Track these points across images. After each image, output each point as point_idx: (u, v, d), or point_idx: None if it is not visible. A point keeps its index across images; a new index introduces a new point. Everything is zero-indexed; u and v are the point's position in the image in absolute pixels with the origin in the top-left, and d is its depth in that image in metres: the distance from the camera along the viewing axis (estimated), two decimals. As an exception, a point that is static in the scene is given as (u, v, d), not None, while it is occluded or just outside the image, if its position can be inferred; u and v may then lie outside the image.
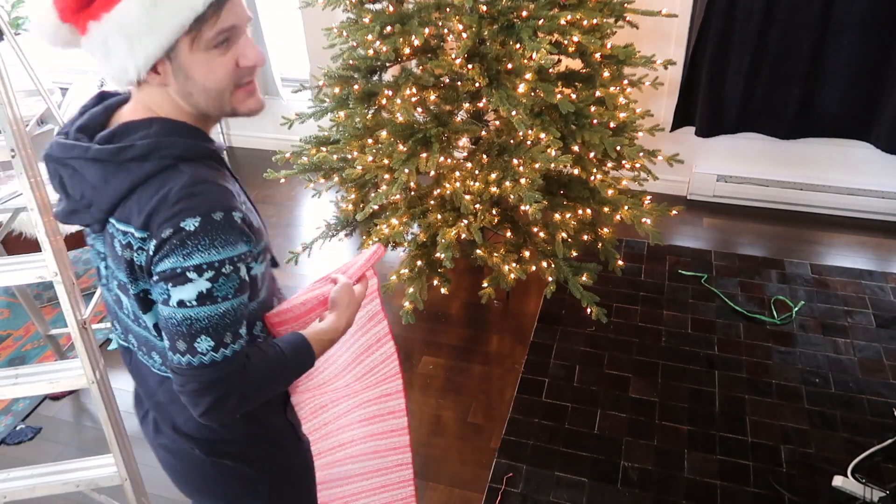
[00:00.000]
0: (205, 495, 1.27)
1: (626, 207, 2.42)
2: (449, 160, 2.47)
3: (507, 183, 2.34)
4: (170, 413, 1.15)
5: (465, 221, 2.38)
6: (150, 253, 0.94)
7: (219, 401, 0.96)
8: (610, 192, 2.42)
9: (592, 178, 2.45)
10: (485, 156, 2.45)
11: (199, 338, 0.94)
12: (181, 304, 0.93)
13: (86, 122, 1.01)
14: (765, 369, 2.50)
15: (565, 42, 2.31)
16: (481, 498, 2.12)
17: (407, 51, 2.37)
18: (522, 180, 2.29)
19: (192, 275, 0.92)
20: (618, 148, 2.30)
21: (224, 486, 1.23)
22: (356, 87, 2.52)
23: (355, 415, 1.44)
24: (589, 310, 2.49)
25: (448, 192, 2.42)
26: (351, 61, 2.52)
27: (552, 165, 2.32)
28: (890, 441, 2.21)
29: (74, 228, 2.80)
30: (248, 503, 1.27)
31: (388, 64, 2.56)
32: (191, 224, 0.91)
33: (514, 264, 2.50)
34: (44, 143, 1.05)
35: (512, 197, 2.32)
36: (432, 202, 2.50)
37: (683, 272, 3.03)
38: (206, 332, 0.94)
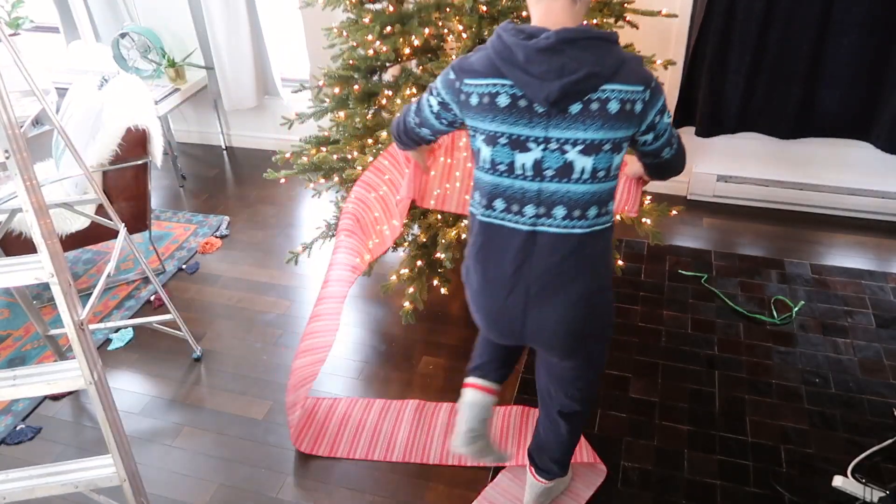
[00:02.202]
0: (600, 333, 1.63)
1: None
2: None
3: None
4: (592, 263, 1.49)
5: (465, 222, 2.38)
6: (647, 98, 1.39)
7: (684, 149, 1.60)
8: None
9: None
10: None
11: (673, 132, 1.53)
12: (667, 122, 1.47)
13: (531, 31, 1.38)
14: (765, 369, 2.50)
15: (565, 42, 2.31)
16: (481, 498, 2.12)
17: (407, 51, 2.37)
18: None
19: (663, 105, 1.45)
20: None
21: (610, 317, 1.62)
22: (356, 87, 2.52)
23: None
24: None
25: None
26: (351, 61, 2.52)
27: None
28: (890, 441, 2.21)
29: (74, 229, 2.80)
30: (608, 333, 1.68)
31: (388, 64, 2.56)
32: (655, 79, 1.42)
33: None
34: (39, 145, 1.05)
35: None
36: (432, 202, 2.49)
37: (683, 272, 3.02)
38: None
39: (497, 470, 2.20)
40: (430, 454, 2.27)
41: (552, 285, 1.48)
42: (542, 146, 1.40)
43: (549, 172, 1.41)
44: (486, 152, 1.46)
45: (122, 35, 3.84)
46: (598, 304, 1.55)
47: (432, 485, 2.18)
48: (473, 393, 1.83)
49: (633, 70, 1.37)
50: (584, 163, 1.39)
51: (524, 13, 2.22)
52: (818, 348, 2.59)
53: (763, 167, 3.39)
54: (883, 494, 2.00)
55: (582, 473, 2.15)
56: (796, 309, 2.78)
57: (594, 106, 1.36)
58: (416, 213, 2.49)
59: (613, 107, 1.36)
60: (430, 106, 1.56)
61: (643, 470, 2.18)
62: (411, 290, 2.49)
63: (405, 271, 2.55)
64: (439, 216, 2.45)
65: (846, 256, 3.10)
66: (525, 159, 1.42)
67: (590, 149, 1.38)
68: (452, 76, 1.47)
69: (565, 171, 1.40)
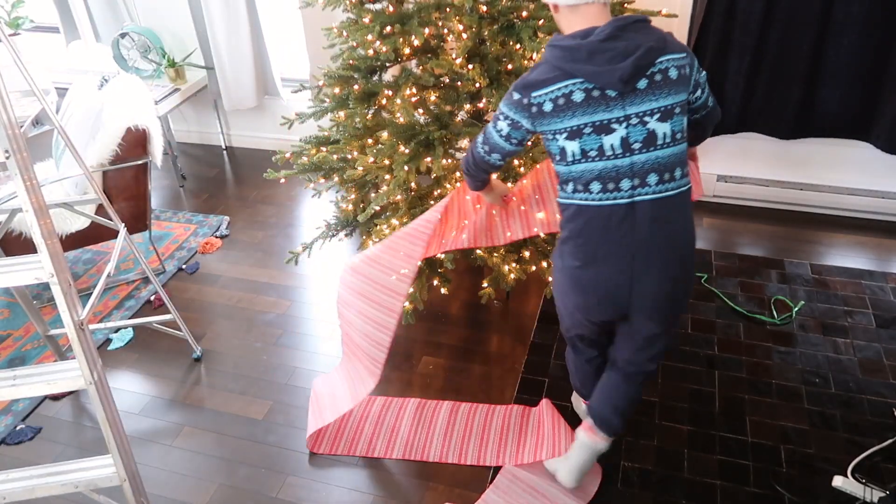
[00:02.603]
0: (688, 293, 1.81)
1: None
2: (450, 161, 2.46)
3: (509, 184, 2.34)
4: (684, 224, 1.69)
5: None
6: (691, 62, 1.61)
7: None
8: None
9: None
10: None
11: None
12: (704, 75, 1.71)
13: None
14: (765, 369, 2.50)
15: (565, 42, 2.31)
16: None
17: (407, 51, 2.37)
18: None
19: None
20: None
21: (694, 278, 1.81)
22: (356, 87, 2.52)
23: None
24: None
25: (448, 192, 2.41)
26: (351, 61, 2.52)
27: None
28: (890, 441, 2.21)
29: (74, 229, 2.80)
30: (691, 293, 1.96)
31: (388, 64, 2.56)
32: None
33: (514, 264, 2.50)
34: (39, 145, 1.06)
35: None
36: (432, 203, 2.50)
37: (683, 272, 3.02)
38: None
39: (496, 470, 2.20)
40: (430, 453, 2.27)
41: (655, 250, 1.64)
42: (624, 124, 1.56)
43: (636, 145, 1.58)
44: (571, 146, 1.60)
45: (122, 35, 3.84)
46: (690, 265, 1.73)
47: (432, 485, 2.18)
48: (589, 437, 2.00)
49: (674, 41, 1.59)
50: (664, 128, 1.58)
51: (524, 13, 2.22)
52: (818, 348, 2.59)
53: (763, 167, 3.39)
54: (883, 494, 2.00)
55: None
56: (796, 309, 2.78)
57: (658, 77, 1.55)
58: (416, 213, 2.49)
59: (673, 74, 1.57)
60: (499, 131, 1.71)
61: (643, 470, 2.18)
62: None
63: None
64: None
65: (846, 256, 3.10)
66: (612, 140, 1.57)
67: (665, 115, 1.58)
68: (517, 96, 1.63)
69: (650, 140, 1.58)
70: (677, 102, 1.59)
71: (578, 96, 1.55)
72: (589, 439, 1.99)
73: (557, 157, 1.64)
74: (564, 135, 1.59)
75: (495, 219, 2.13)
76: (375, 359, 2.14)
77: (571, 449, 2.03)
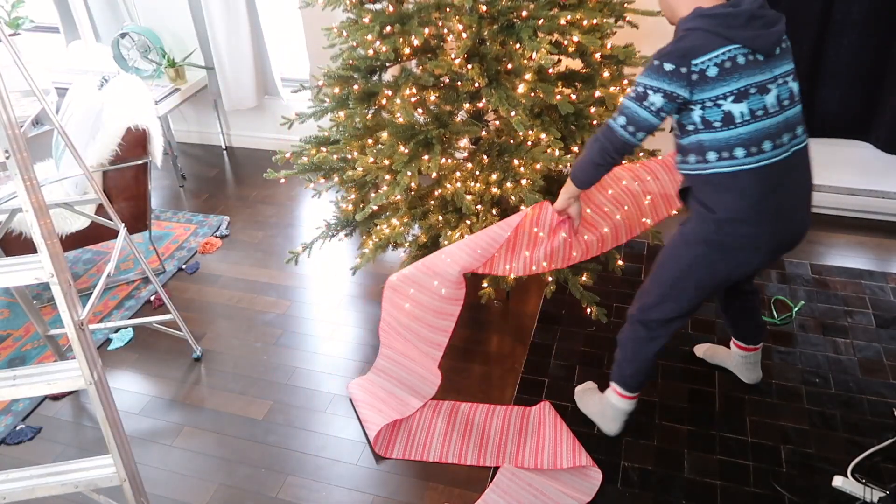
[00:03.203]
0: None
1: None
2: (450, 161, 2.46)
3: (508, 184, 2.34)
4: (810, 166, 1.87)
5: (469, 222, 2.38)
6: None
7: None
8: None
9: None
10: (485, 156, 2.45)
11: None
12: None
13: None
14: (765, 369, 2.50)
15: (565, 42, 2.31)
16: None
17: (407, 51, 2.37)
18: (524, 181, 2.29)
19: None
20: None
21: None
22: (356, 87, 2.52)
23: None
24: (589, 310, 2.49)
25: (449, 192, 2.41)
26: (351, 61, 2.52)
27: (553, 165, 2.32)
28: (890, 441, 2.21)
29: (74, 229, 2.80)
30: None
31: (388, 64, 2.56)
32: None
33: (513, 264, 2.49)
34: (39, 145, 1.06)
35: (513, 198, 2.32)
36: (433, 203, 2.50)
37: (683, 272, 3.02)
38: None
39: (496, 470, 2.20)
40: (429, 452, 2.27)
41: (808, 192, 1.87)
42: (774, 84, 1.73)
43: (785, 102, 1.75)
44: (739, 108, 1.69)
45: (122, 35, 3.84)
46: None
47: (432, 485, 2.18)
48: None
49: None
50: (795, 87, 1.79)
51: (524, 13, 2.22)
52: (818, 348, 2.59)
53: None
54: (883, 494, 2.00)
55: (578, 480, 2.15)
56: (796, 309, 2.78)
57: (784, 45, 1.76)
58: (417, 213, 2.49)
59: (788, 43, 1.79)
60: (649, 106, 1.73)
61: (643, 470, 2.18)
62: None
63: (405, 271, 2.55)
64: (440, 217, 2.45)
65: (846, 256, 3.10)
66: (770, 99, 1.72)
67: (794, 76, 1.79)
68: (671, 66, 1.67)
69: (792, 96, 1.77)
70: (794, 67, 1.80)
71: (741, 59, 1.67)
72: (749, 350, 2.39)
73: (719, 124, 1.70)
74: (731, 98, 1.68)
75: (571, 238, 2.15)
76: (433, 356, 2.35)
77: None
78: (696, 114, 1.72)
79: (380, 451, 2.27)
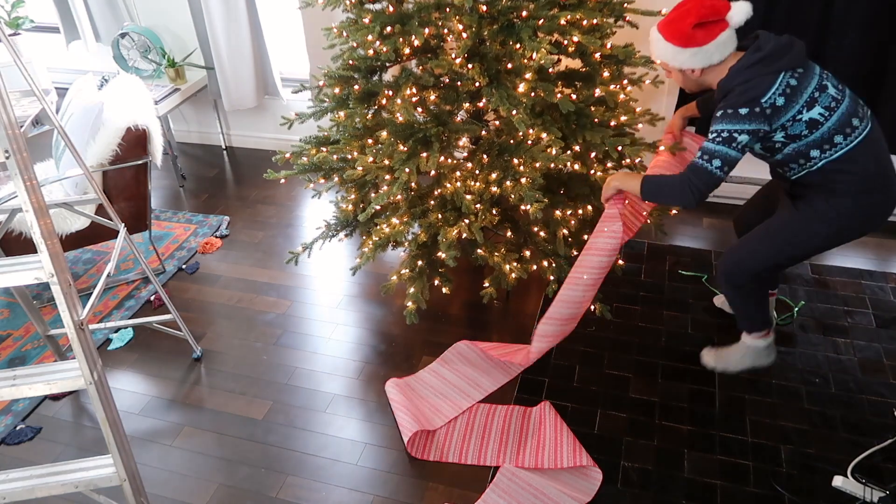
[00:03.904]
0: None
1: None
2: (449, 160, 2.46)
3: (508, 183, 2.34)
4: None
5: (467, 221, 2.38)
6: None
7: None
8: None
9: (592, 171, 2.46)
10: (485, 156, 2.45)
11: None
12: None
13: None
14: (765, 369, 2.50)
15: (565, 42, 2.31)
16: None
17: (407, 51, 2.37)
18: (523, 180, 2.29)
19: None
20: (619, 147, 2.31)
21: None
22: (356, 87, 2.52)
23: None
24: (592, 307, 2.49)
25: (449, 191, 2.41)
26: (351, 61, 2.52)
27: (552, 164, 2.32)
28: (890, 441, 2.21)
29: (74, 229, 2.80)
30: None
31: (388, 64, 2.56)
32: None
33: (514, 263, 2.50)
34: (39, 145, 1.06)
35: (512, 197, 2.32)
36: (433, 202, 2.50)
37: (683, 272, 3.03)
38: None
39: (496, 470, 2.20)
40: (430, 452, 2.27)
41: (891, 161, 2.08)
42: (825, 79, 1.99)
43: (840, 86, 2.02)
44: (816, 112, 1.96)
45: (122, 35, 3.84)
46: None
47: (432, 485, 2.18)
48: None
49: None
50: (835, 82, 2.05)
51: (524, 13, 2.22)
52: (818, 348, 2.59)
53: (763, 167, 3.37)
54: (883, 494, 2.00)
55: (579, 480, 2.15)
56: (796, 309, 2.78)
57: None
58: (416, 212, 2.49)
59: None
60: (738, 145, 1.97)
61: (643, 470, 2.18)
62: (412, 289, 2.49)
63: (406, 271, 2.55)
64: (439, 215, 2.45)
65: (846, 256, 3.10)
66: (831, 91, 1.98)
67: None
68: (746, 110, 1.94)
69: (838, 80, 2.04)
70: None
71: (794, 81, 1.95)
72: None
73: (807, 132, 1.97)
74: (805, 109, 1.95)
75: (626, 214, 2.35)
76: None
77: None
78: (778, 136, 1.99)
79: (415, 454, 2.28)
